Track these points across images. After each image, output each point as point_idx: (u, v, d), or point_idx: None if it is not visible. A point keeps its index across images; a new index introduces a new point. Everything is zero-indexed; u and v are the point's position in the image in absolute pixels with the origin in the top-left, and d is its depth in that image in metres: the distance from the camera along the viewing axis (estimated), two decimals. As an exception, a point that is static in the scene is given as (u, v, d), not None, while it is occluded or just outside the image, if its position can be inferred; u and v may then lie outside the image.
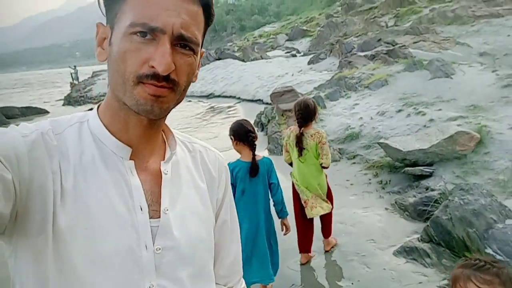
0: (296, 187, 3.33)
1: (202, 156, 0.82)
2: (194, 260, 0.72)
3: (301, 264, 3.41)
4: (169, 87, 0.62)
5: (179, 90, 0.65)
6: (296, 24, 41.39)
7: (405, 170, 4.72)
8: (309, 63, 15.83)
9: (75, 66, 26.56)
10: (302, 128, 3.22)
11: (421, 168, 4.53)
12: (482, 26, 14.47)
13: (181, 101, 0.68)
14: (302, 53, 23.40)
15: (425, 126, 5.58)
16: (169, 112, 0.68)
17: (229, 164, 2.59)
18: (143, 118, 0.66)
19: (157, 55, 0.59)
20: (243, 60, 21.45)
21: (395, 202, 4.30)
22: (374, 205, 4.40)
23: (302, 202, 3.29)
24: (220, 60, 21.92)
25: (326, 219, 3.52)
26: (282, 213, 2.83)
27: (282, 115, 7.48)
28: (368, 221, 4.05)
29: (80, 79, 24.92)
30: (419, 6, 24.50)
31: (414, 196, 4.15)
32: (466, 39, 13.06)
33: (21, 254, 0.61)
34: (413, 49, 11.34)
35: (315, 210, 3.29)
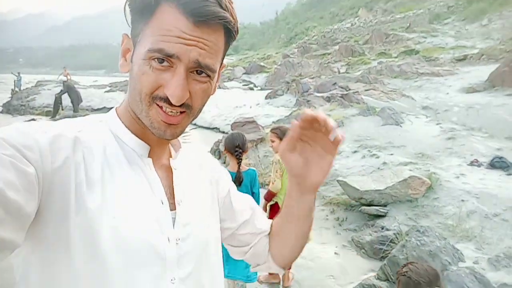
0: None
1: (199, 154, 0.88)
2: (207, 248, 0.75)
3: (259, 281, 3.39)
4: (183, 112, 0.65)
5: (192, 114, 0.67)
6: (254, 60, 42.64)
7: (361, 208, 4.89)
8: (266, 97, 16.22)
9: (19, 73, 24.87)
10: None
11: (377, 208, 4.73)
12: (424, 83, 15.91)
13: (196, 118, 0.71)
14: (259, 87, 23.98)
15: (379, 168, 5.88)
16: (180, 135, 0.71)
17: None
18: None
19: (171, 85, 0.62)
20: (200, 88, 21.36)
21: (352, 240, 4.41)
22: (331, 241, 4.47)
23: None
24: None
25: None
26: None
27: (242, 145, 7.51)
28: (326, 257, 4.09)
29: (23, 87, 23.28)
30: (368, 58, 26.48)
31: (370, 235, 4.29)
32: (410, 93, 14.23)
33: (38, 247, 0.59)
34: (364, 96, 12.11)
35: None
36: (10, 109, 18.27)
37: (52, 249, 0.59)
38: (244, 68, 36.58)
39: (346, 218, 4.96)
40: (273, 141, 3.40)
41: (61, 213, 0.59)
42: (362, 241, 4.25)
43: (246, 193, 2.69)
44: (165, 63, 0.62)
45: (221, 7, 0.63)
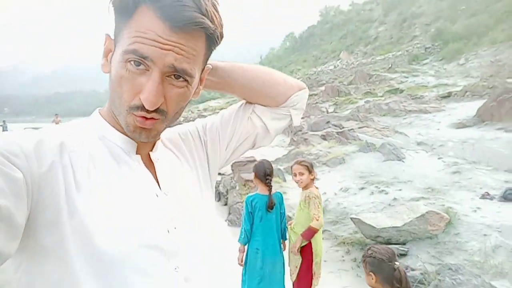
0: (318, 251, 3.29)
1: (170, 137, 0.86)
2: (199, 230, 0.75)
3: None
4: (157, 118, 0.65)
5: (168, 118, 0.67)
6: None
7: (379, 247, 4.65)
8: (259, 138, 16.23)
9: (4, 121, 24.74)
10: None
11: (397, 246, 4.50)
12: (414, 119, 16.23)
13: (174, 122, 0.71)
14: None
15: (389, 204, 5.71)
16: (158, 136, 0.72)
17: (248, 197, 3.31)
18: None
19: (145, 91, 0.61)
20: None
21: (375, 282, 4.14)
22: (353, 284, 4.19)
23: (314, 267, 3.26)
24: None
25: None
26: (284, 236, 3.41)
27: (244, 185, 7.29)
28: (351, 302, 3.80)
29: (8, 135, 23.01)
30: (355, 97, 27.15)
31: (395, 276, 4.03)
32: (401, 129, 14.45)
33: (32, 256, 0.58)
34: (359, 133, 12.20)
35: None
36: (-5, 156, 17.80)
37: (50, 256, 0.58)
38: (232, 110, 36.99)
39: (364, 259, 4.71)
40: (302, 174, 3.21)
41: (54, 219, 0.57)
42: (386, 283, 3.98)
43: (275, 213, 3.31)
44: (141, 66, 0.62)
45: (201, 11, 0.61)
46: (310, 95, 32.14)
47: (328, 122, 13.89)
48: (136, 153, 0.72)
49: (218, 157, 0.93)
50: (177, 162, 0.83)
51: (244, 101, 0.96)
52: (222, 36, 0.68)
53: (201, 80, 0.74)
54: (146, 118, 0.64)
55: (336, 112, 22.72)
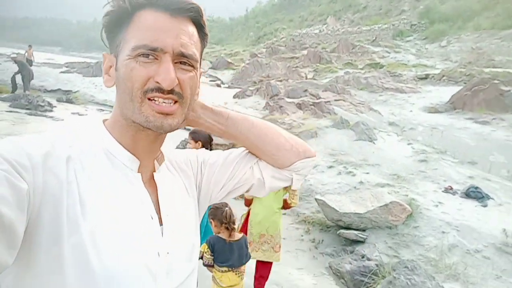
0: (249, 227, 3.31)
1: (171, 160, 0.85)
2: (190, 258, 0.76)
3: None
4: (176, 101, 0.67)
5: (185, 104, 0.69)
6: (221, 55, 41.99)
7: (339, 232, 4.66)
8: (234, 96, 15.82)
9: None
10: None
11: (356, 233, 4.52)
12: (389, 98, 16.29)
13: (188, 116, 0.75)
14: (226, 85, 23.51)
15: (355, 187, 5.70)
16: (177, 128, 0.71)
17: None
18: (151, 133, 0.70)
19: (161, 71, 0.64)
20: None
21: (330, 267, 4.16)
22: (308, 266, 4.19)
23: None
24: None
25: (262, 270, 3.27)
26: None
27: (213, 149, 7.05)
28: (304, 285, 3.80)
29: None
30: (336, 66, 26.90)
31: (350, 263, 4.05)
32: (376, 106, 14.48)
33: (26, 270, 0.58)
34: (334, 106, 12.09)
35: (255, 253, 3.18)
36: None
37: (45, 272, 0.58)
38: (211, 62, 35.90)
39: (322, 241, 4.72)
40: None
41: (54, 235, 0.58)
42: (341, 269, 4.00)
43: None
44: (151, 57, 0.65)
45: (191, 1, 0.69)
46: (291, 58, 31.59)
47: (306, 90, 13.66)
48: (138, 171, 0.72)
49: (210, 194, 0.91)
50: (181, 187, 0.83)
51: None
52: (208, 34, 0.75)
53: (199, 73, 0.75)
54: (164, 106, 0.65)
55: (315, 79, 22.45)
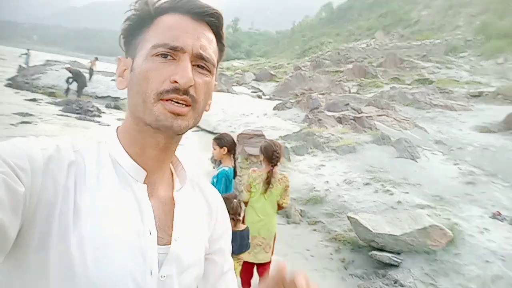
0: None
1: (203, 190, 0.83)
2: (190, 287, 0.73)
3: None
4: (189, 105, 0.65)
5: (197, 109, 0.67)
6: (265, 67, 42.39)
7: (371, 253, 4.40)
8: (274, 108, 15.79)
9: (28, 49, 24.49)
10: (274, 168, 3.33)
11: (390, 255, 4.23)
12: (437, 115, 15.48)
13: (197, 123, 0.71)
14: (268, 97, 23.60)
15: (392, 207, 5.40)
16: (186, 131, 0.69)
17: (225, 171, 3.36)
18: (160, 140, 0.68)
19: (179, 70, 0.64)
20: (208, 89, 21.07)
21: (359, 290, 3.92)
22: (336, 288, 3.98)
23: None
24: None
25: (246, 270, 3.29)
26: None
27: (246, 159, 7.02)
28: (330, 308, 3.60)
29: (31, 64, 22.79)
30: (381, 81, 26.15)
31: (381, 288, 3.79)
32: (422, 123, 13.80)
33: (11, 272, 0.59)
34: (377, 121, 11.67)
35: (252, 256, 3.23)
36: (13, 84, 17.70)
37: (31, 275, 0.58)
38: (254, 74, 36.33)
39: (353, 261, 4.47)
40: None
41: (42, 239, 0.58)
42: (371, 294, 3.75)
43: None
44: (169, 57, 0.64)
45: (212, 7, 0.69)
46: (335, 72, 31.18)
47: (347, 104, 13.33)
48: (145, 182, 0.70)
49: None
50: (203, 213, 0.81)
51: None
52: (225, 46, 0.75)
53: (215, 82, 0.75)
54: (177, 106, 0.64)
55: (358, 93, 21.93)
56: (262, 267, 3.36)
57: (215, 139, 3.51)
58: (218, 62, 0.74)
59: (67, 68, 16.58)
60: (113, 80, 22.32)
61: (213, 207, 0.84)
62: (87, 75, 18.22)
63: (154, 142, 0.69)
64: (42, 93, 16.47)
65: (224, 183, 3.35)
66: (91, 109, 12.87)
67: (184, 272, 0.71)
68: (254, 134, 7.37)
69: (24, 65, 22.02)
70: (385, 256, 4.23)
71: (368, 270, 4.23)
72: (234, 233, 2.88)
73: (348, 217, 4.87)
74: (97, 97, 17.39)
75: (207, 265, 0.80)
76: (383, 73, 28.10)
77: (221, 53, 0.75)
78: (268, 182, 3.26)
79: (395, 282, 3.82)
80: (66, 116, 11.64)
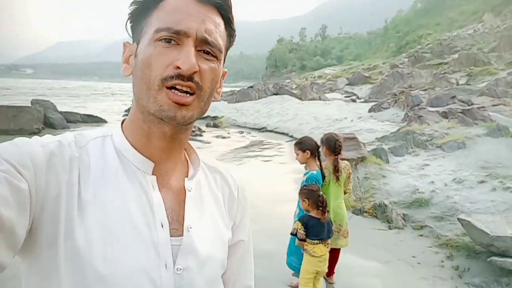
0: None
1: (222, 176, 0.81)
2: (213, 282, 0.71)
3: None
4: (193, 92, 0.63)
5: (203, 97, 0.64)
6: (358, 70, 40.97)
7: (491, 259, 3.81)
8: (370, 110, 15.09)
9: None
10: (338, 157, 3.50)
11: (514, 261, 3.61)
12: None
13: (204, 113, 0.68)
14: (362, 100, 22.71)
15: (515, 206, 4.62)
16: (192, 122, 0.67)
17: (313, 174, 3.28)
18: (166, 130, 0.66)
19: (181, 55, 0.61)
20: (300, 98, 21.20)
21: (478, 302, 3.41)
22: (448, 298, 3.53)
23: None
24: (277, 95, 21.84)
25: (332, 256, 3.40)
26: None
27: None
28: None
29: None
30: (495, 68, 23.12)
31: (506, 299, 3.24)
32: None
33: (29, 268, 0.60)
34: (492, 112, 10.27)
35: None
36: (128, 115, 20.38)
37: (43, 274, 0.58)
38: (347, 79, 35.38)
39: (469, 269, 3.92)
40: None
41: (51, 237, 0.57)
42: (493, 306, 3.23)
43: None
44: (172, 42, 0.62)
45: None
46: (437, 64, 28.61)
47: (453, 97, 12.03)
48: (153, 174, 0.68)
49: None
50: (218, 200, 0.77)
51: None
52: (235, 31, 0.71)
53: (222, 77, 0.72)
54: (181, 96, 0.61)
55: (468, 85, 19.67)
56: (338, 252, 3.60)
57: (296, 144, 3.48)
58: (227, 49, 0.71)
59: None
60: (212, 101, 23.80)
61: (234, 192, 0.81)
62: None
63: (160, 133, 0.66)
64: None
65: None
66: (193, 129, 13.95)
67: (205, 263, 0.68)
68: (345, 138, 7.08)
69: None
70: (507, 262, 3.62)
71: (488, 279, 3.66)
72: (322, 223, 2.88)
73: (459, 219, 4.31)
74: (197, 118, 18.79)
75: (229, 256, 0.78)
76: (497, 59, 24.85)
77: (230, 38, 0.71)
78: (337, 170, 3.43)
79: (524, 293, 3.23)
80: (172, 137, 12.79)
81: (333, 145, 3.44)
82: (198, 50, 0.63)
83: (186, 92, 0.62)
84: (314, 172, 3.34)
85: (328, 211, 3.04)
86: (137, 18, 0.67)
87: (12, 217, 0.51)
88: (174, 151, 0.70)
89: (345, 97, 24.72)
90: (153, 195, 0.66)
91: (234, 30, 0.70)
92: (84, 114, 17.98)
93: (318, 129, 12.93)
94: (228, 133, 14.64)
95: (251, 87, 25.92)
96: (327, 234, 3.04)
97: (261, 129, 15.76)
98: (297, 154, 3.43)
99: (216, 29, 0.65)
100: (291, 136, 13.34)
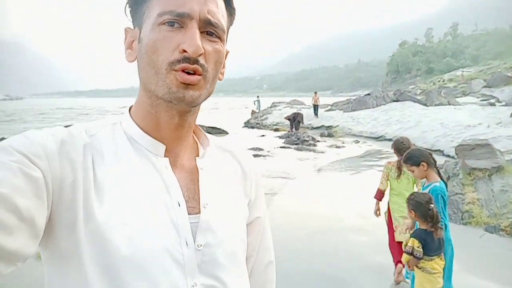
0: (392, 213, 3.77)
1: (234, 154, 0.82)
2: (234, 256, 0.71)
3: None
4: (199, 74, 0.63)
5: (208, 78, 0.65)
6: (499, 70, 35.63)
7: None
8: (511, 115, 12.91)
9: (258, 96, 29.41)
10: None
11: None
12: None
13: (210, 94, 0.69)
14: (503, 103, 19.64)
15: None
16: (200, 103, 0.67)
17: (436, 187, 2.94)
18: (174, 113, 0.67)
19: (186, 38, 0.61)
20: (425, 104, 19.38)
21: None
22: None
23: (394, 227, 3.72)
24: (398, 102, 20.37)
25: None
26: None
27: (469, 174, 5.94)
28: None
29: (262, 108, 27.21)
30: None
31: None
32: None
33: (51, 257, 0.61)
34: None
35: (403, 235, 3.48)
36: (249, 126, 21.85)
37: (64, 260, 0.59)
38: (484, 80, 31.09)
39: None
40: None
41: (70, 223, 0.58)
42: None
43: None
44: (176, 25, 0.63)
45: None
46: None
47: None
48: (165, 156, 0.69)
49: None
50: (231, 176, 0.79)
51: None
52: (235, 9, 0.71)
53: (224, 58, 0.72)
54: (189, 73, 0.62)
55: None
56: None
57: (405, 161, 3.12)
58: (228, 28, 0.71)
59: (286, 118, 18.65)
60: (327, 110, 23.67)
61: (246, 169, 0.82)
62: (309, 110, 20.73)
63: (168, 116, 0.67)
64: (268, 129, 19.25)
65: (442, 202, 2.85)
66: (307, 139, 14.11)
67: (224, 239, 0.69)
68: (476, 144, 6.18)
69: (256, 110, 26.42)
70: None
71: None
72: (437, 239, 2.74)
73: None
74: (312, 128, 18.85)
75: (248, 234, 0.79)
76: None
77: (231, 17, 0.71)
78: (399, 168, 3.67)
79: None
80: (287, 147, 13.06)
81: (400, 146, 3.72)
82: (202, 32, 0.64)
83: (193, 74, 0.63)
84: (437, 184, 2.91)
85: (441, 227, 2.71)
86: (137, 1, 0.67)
87: (30, 206, 0.51)
88: (184, 133, 0.71)
89: (481, 100, 21.72)
90: (167, 175, 0.67)
91: (234, 9, 0.71)
92: (209, 126, 19.57)
93: (445, 137, 11.63)
94: (343, 143, 14.24)
95: (368, 94, 24.74)
96: (441, 248, 2.78)
97: (378, 138, 14.90)
98: (412, 171, 3.09)
99: (217, 9, 0.65)
100: (413, 145, 12.26)
